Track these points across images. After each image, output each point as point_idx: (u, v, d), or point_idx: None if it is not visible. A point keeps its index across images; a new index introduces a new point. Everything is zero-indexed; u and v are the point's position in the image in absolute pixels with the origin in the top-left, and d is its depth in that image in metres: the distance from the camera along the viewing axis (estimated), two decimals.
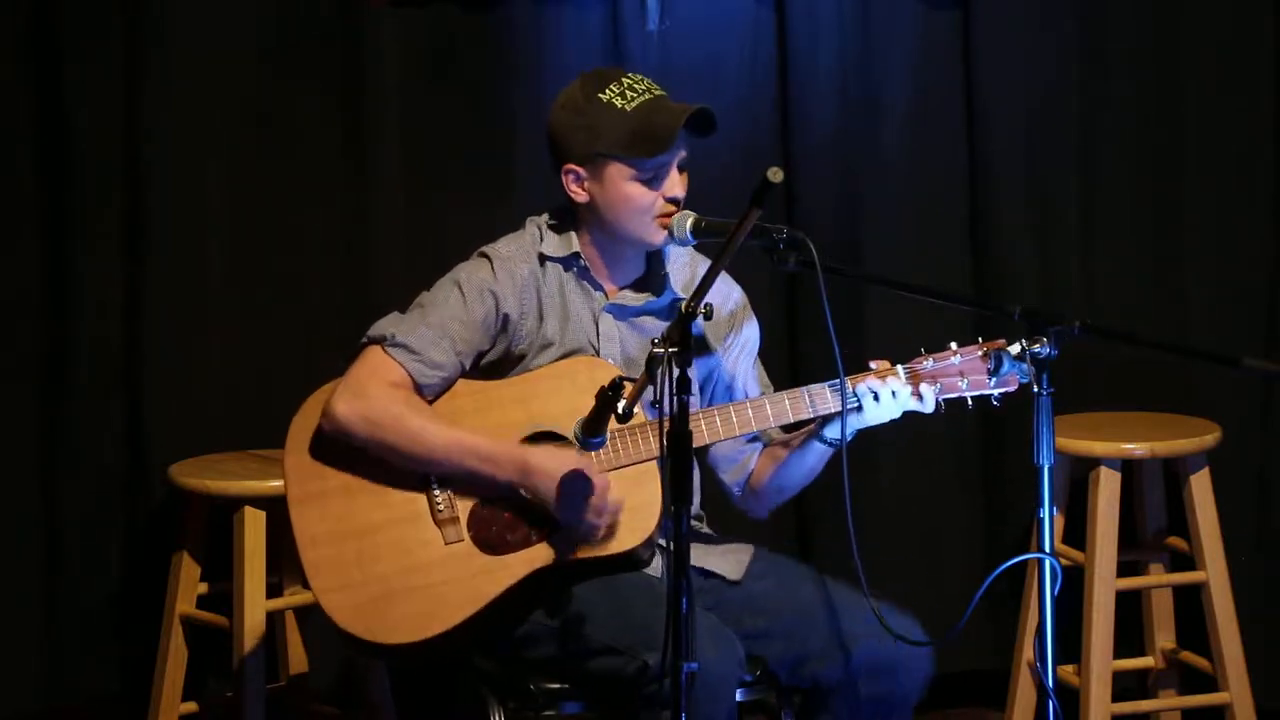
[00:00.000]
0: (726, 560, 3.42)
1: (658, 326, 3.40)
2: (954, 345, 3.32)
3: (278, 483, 3.82)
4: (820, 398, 3.30)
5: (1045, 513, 2.98)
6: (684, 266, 3.44)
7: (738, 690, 3.25)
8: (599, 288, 3.39)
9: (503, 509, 3.28)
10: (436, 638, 3.22)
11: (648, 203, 3.31)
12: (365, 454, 3.27)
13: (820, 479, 3.43)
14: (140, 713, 4.16)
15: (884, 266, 4.38)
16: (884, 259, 4.41)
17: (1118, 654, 4.14)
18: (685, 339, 2.87)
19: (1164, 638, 4.37)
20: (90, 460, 4.25)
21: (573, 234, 3.38)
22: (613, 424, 3.06)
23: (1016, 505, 4.49)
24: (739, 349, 3.48)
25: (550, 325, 3.36)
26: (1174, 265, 4.53)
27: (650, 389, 2.89)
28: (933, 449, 4.44)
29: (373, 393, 3.25)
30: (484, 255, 3.38)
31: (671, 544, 2.86)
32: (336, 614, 3.23)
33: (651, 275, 3.42)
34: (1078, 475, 4.16)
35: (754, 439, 3.46)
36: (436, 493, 3.27)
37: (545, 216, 3.42)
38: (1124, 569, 4.17)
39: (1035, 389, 3.00)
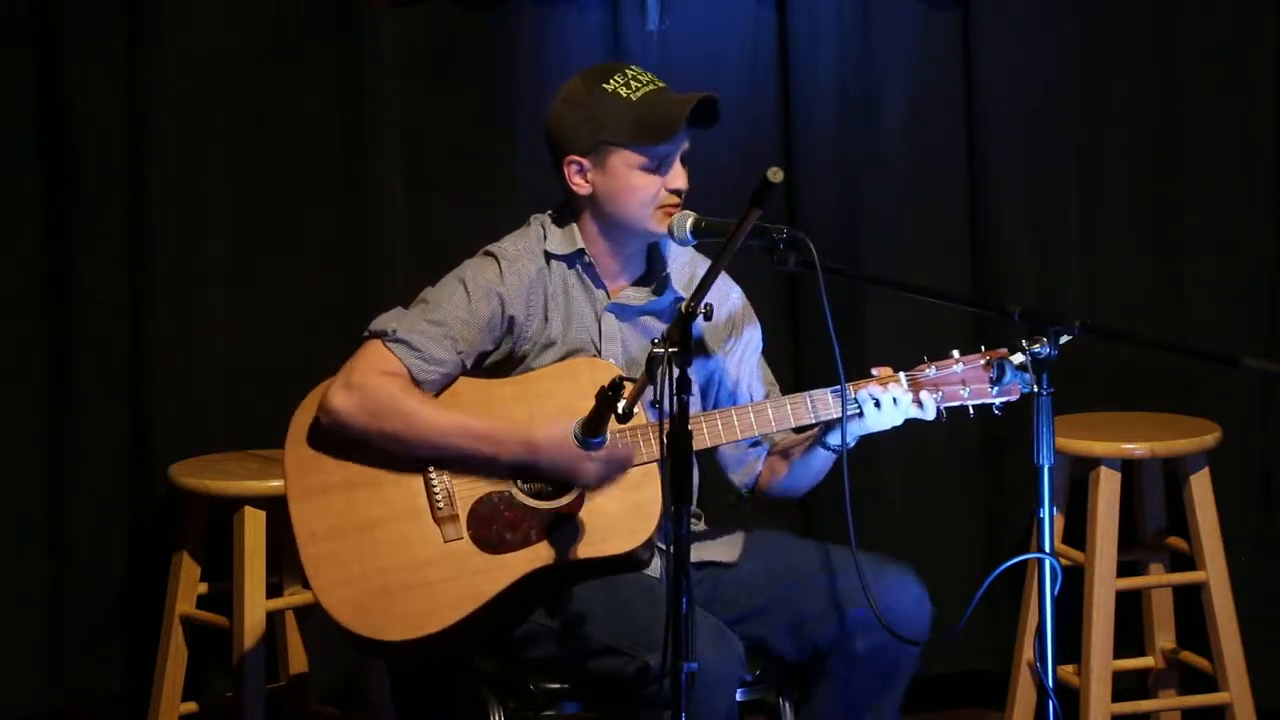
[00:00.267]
0: (720, 546, 3.43)
1: (659, 327, 3.40)
2: (956, 353, 3.32)
3: (278, 483, 3.83)
4: (821, 402, 3.30)
5: (1045, 513, 2.98)
6: (684, 266, 3.45)
7: (738, 690, 3.25)
8: (601, 286, 3.39)
9: (503, 508, 3.28)
10: (435, 635, 3.22)
11: (652, 192, 3.31)
12: (365, 449, 3.27)
13: (824, 479, 3.44)
14: (140, 713, 4.16)
15: (884, 266, 4.38)
16: (884, 259, 4.41)
17: (1118, 654, 4.14)
18: (685, 339, 2.87)
19: (1164, 638, 4.37)
20: (92, 460, 4.25)
21: (574, 227, 3.38)
22: (613, 425, 3.06)
23: (1016, 505, 4.49)
24: (740, 352, 3.49)
25: (554, 325, 3.36)
26: (1174, 265, 4.53)
27: (650, 389, 2.89)
28: (933, 450, 4.44)
29: (369, 383, 3.25)
30: (490, 254, 3.38)
31: (671, 545, 2.86)
32: (335, 610, 3.23)
33: (653, 274, 3.43)
34: (1078, 475, 4.16)
35: (757, 442, 3.46)
36: (436, 490, 3.27)
37: (548, 213, 3.42)
38: (1124, 569, 4.17)
39: (1035, 389, 3.01)
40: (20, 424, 4.22)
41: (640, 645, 3.11)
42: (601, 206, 3.35)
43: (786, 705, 3.43)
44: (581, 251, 3.37)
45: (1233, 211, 4.51)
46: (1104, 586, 4.08)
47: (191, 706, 4.17)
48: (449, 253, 3.49)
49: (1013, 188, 4.50)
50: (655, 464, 3.26)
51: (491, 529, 3.27)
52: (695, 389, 3.38)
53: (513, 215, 3.53)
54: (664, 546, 3.33)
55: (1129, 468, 4.16)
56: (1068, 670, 4.13)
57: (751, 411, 3.31)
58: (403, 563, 3.24)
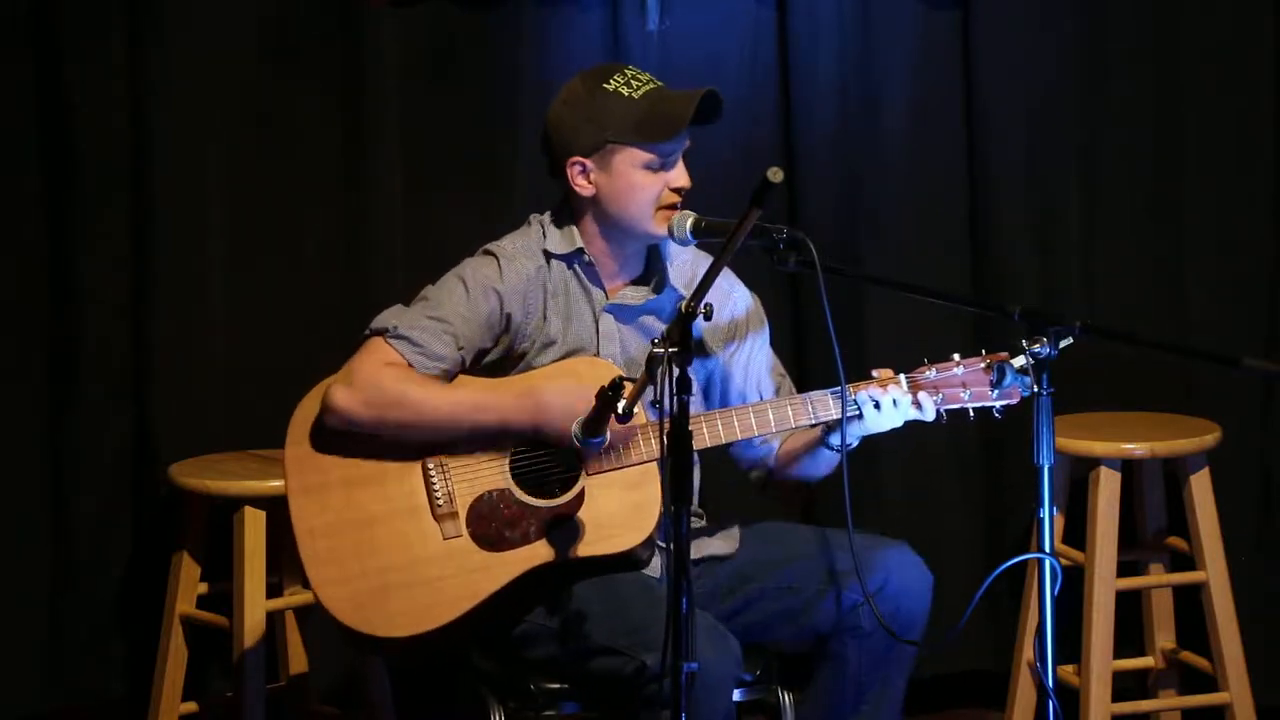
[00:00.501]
0: (719, 540, 3.44)
1: (658, 327, 3.40)
2: (957, 356, 3.32)
3: (278, 483, 3.83)
4: (822, 404, 3.30)
5: (1045, 513, 2.98)
6: (685, 265, 3.45)
7: (736, 690, 3.25)
8: (600, 285, 3.39)
9: (502, 506, 3.28)
10: (433, 632, 3.23)
11: (655, 191, 3.31)
12: (366, 446, 3.26)
13: (830, 473, 3.45)
14: (140, 713, 4.16)
15: (884, 266, 4.38)
16: (884, 259, 4.41)
17: (1118, 654, 4.14)
18: (685, 339, 2.87)
19: (1164, 638, 4.37)
20: (93, 460, 4.24)
21: (574, 228, 3.38)
22: (613, 424, 3.06)
23: (1016, 506, 4.49)
24: (747, 353, 3.48)
25: (553, 324, 3.37)
26: (1174, 265, 4.53)
27: (650, 389, 2.89)
28: (934, 450, 4.44)
29: (371, 377, 3.25)
30: (490, 253, 3.38)
31: (671, 545, 2.86)
32: (333, 606, 3.24)
33: (652, 273, 3.43)
34: (1078, 475, 4.16)
35: (764, 441, 3.47)
36: (435, 487, 3.27)
37: (547, 214, 3.42)
38: (1124, 569, 4.17)
39: (1035, 389, 3.01)
40: (21, 424, 4.22)
41: (639, 645, 3.11)
42: (604, 207, 3.35)
43: (787, 698, 3.43)
44: (581, 251, 3.38)
45: (1233, 211, 4.51)
46: (1104, 586, 4.08)
47: (191, 706, 4.17)
48: (449, 252, 3.49)
49: (1013, 188, 4.50)
50: (656, 464, 3.26)
51: (491, 527, 3.27)
52: (696, 388, 3.38)
53: (513, 215, 3.53)
54: (664, 544, 3.33)
55: (1129, 468, 4.16)
56: (1068, 670, 4.13)
57: (752, 412, 3.32)
58: (402, 560, 3.24)
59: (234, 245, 4.28)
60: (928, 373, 3.32)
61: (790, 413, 3.31)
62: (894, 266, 4.39)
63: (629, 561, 3.30)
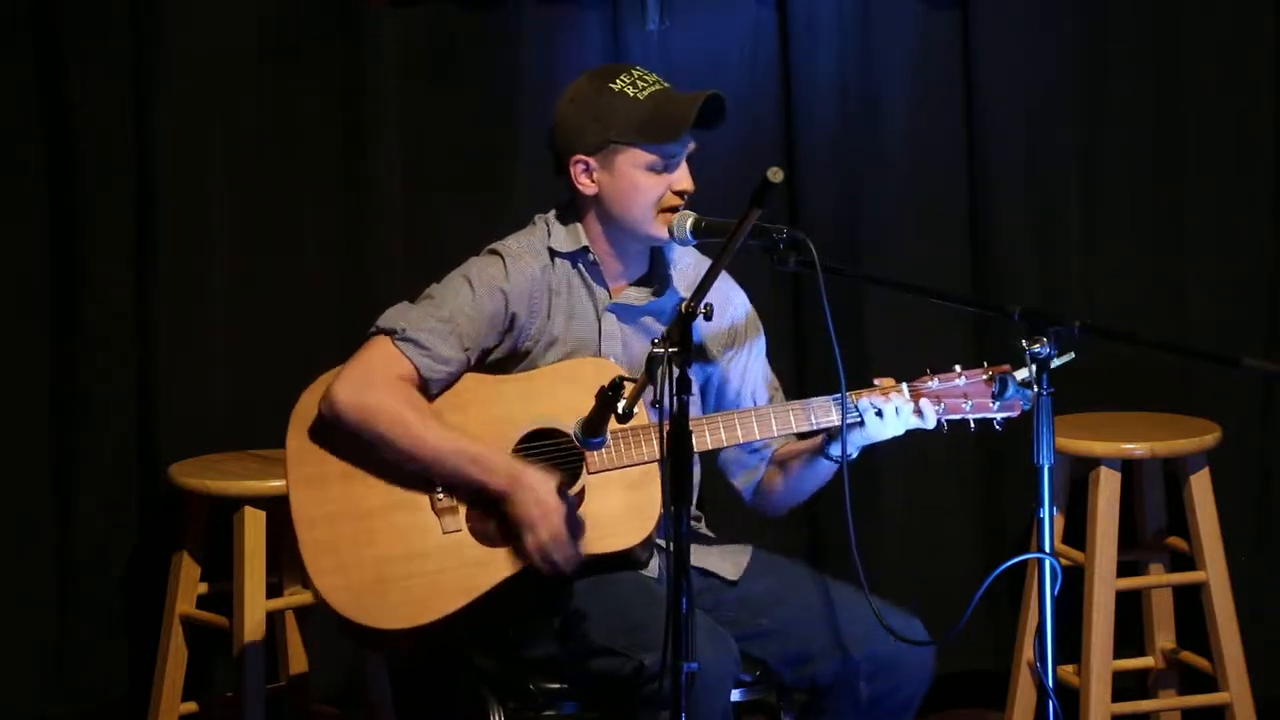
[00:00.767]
0: (724, 560, 3.42)
1: (661, 328, 3.40)
2: (959, 367, 3.32)
3: (278, 482, 3.84)
4: (822, 410, 3.30)
5: (1045, 513, 2.98)
6: (689, 269, 3.44)
7: (735, 690, 3.25)
8: (603, 285, 3.40)
9: (502, 502, 3.28)
10: (430, 625, 3.23)
11: (657, 193, 3.31)
12: (363, 441, 3.27)
13: (823, 487, 3.44)
14: (141, 713, 4.16)
15: (884, 267, 4.38)
16: (884, 259, 4.41)
17: (1118, 654, 4.15)
18: (685, 339, 2.87)
19: (1164, 638, 4.37)
20: (95, 461, 4.24)
21: (579, 226, 3.38)
22: (613, 424, 3.06)
23: (1016, 506, 4.49)
24: (744, 358, 3.48)
25: (557, 322, 3.37)
26: (1174, 265, 4.53)
27: (650, 389, 2.89)
28: (934, 451, 4.43)
29: (377, 385, 3.25)
30: (495, 252, 3.38)
31: (671, 544, 2.86)
32: (331, 596, 3.24)
33: (655, 274, 3.43)
34: (1078, 475, 4.16)
35: (760, 447, 3.46)
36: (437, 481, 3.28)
37: (552, 212, 3.42)
38: (1124, 569, 4.17)
39: (1035, 389, 3.00)
40: (22, 424, 4.22)
41: (637, 645, 3.11)
42: (606, 207, 3.35)
43: (788, 717, 3.43)
44: (585, 249, 3.38)
45: (1233, 211, 4.51)
46: (1104, 586, 4.08)
47: (191, 706, 4.17)
48: (449, 252, 3.49)
49: (1013, 188, 4.50)
50: (656, 464, 3.26)
51: (490, 522, 3.27)
52: (695, 389, 3.38)
53: (512, 215, 3.53)
54: (664, 544, 3.33)
55: (1129, 468, 4.16)
56: (1068, 670, 4.13)
57: (754, 416, 3.31)
58: (400, 553, 3.24)
59: (235, 245, 4.28)
60: (930, 382, 3.31)
61: (791, 418, 3.30)
62: (894, 266, 4.39)
63: (628, 561, 3.30)
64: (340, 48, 4.29)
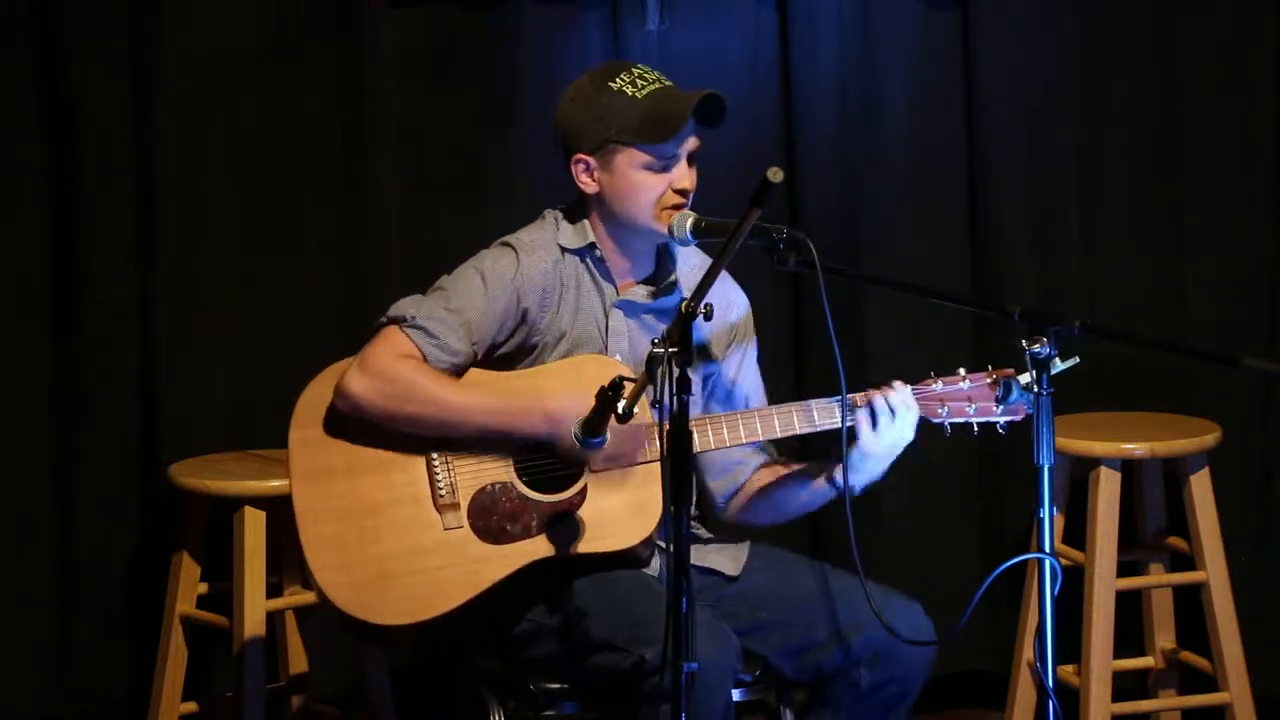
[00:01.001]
0: (724, 557, 3.43)
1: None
2: (963, 370, 3.31)
3: (278, 482, 3.84)
4: (824, 412, 3.28)
5: (1045, 513, 2.98)
6: (695, 270, 3.44)
7: (735, 690, 3.25)
8: (611, 281, 3.40)
9: (504, 499, 3.28)
10: (429, 622, 3.23)
11: (657, 192, 3.31)
12: (371, 433, 3.26)
13: (805, 514, 3.45)
14: (141, 713, 4.16)
15: (884, 267, 4.38)
16: (884, 259, 4.41)
17: (1118, 654, 4.15)
18: (685, 339, 2.87)
19: (1164, 638, 4.37)
20: (97, 461, 4.24)
21: (586, 223, 3.38)
22: (614, 424, 3.06)
23: (1016, 505, 4.49)
24: (739, 361, 3.48)
25: (564, 316, 3.37)
26: (1174, 265, 4.53)
27: (650, 389, 2.89)
28: (934, 450, 4.41)
29: (387, 367, 3.25)
30: (508, 245, 3.38)
31: (671, 545, 2.86)
32: (331, 592, 3.24)
33: (662, 275, 3.42)
34: (1078, 475, 4.16)
35: (741, 456, 3.45)
36: (439, 477, 3.27)
37: (560, 209, 3.42)
38: (1124, 569, 4.17)
39: (1035, 389, 3.00)
40: (24, 425, 4.22)
41: (637, 640, 3.11)
42: (608, 206, 3.35)
43: (788, 713, 3.43)
44: (593, 245, 3.38)
45: (1233, 211, 4.51)
46: (1104, 586, 4.09)
47: (191, 706, 4.17)
48: (448, 252, 3.48)
49: (1013, 188, 4.50)
50: (656, 463, 3.26)
51: (492, 519, 3.27)
52: (696, 388, 3.38)
53: (512, 215, 3.53)
54: (664, 545, 3.33)
55: (1129, 468, 4.16)
56: (1068, 670, 4.13)
57: (757, 417, 3.31)
58: (402, 548, 3.24)
59: (235, 245, 4.29)
60: (934, 385, 3.31)
61: (795, 418, 3.30)
62: (894, 266, 4.39)
63: (629, 560, 3.30)
64: (340, 48, 4.30)
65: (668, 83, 3.34)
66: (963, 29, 4.45)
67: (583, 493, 3.28)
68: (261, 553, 3.97)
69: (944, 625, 3.33)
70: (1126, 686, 4.35)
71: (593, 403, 3.08)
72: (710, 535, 3.49)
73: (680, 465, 2.87)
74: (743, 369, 3.48)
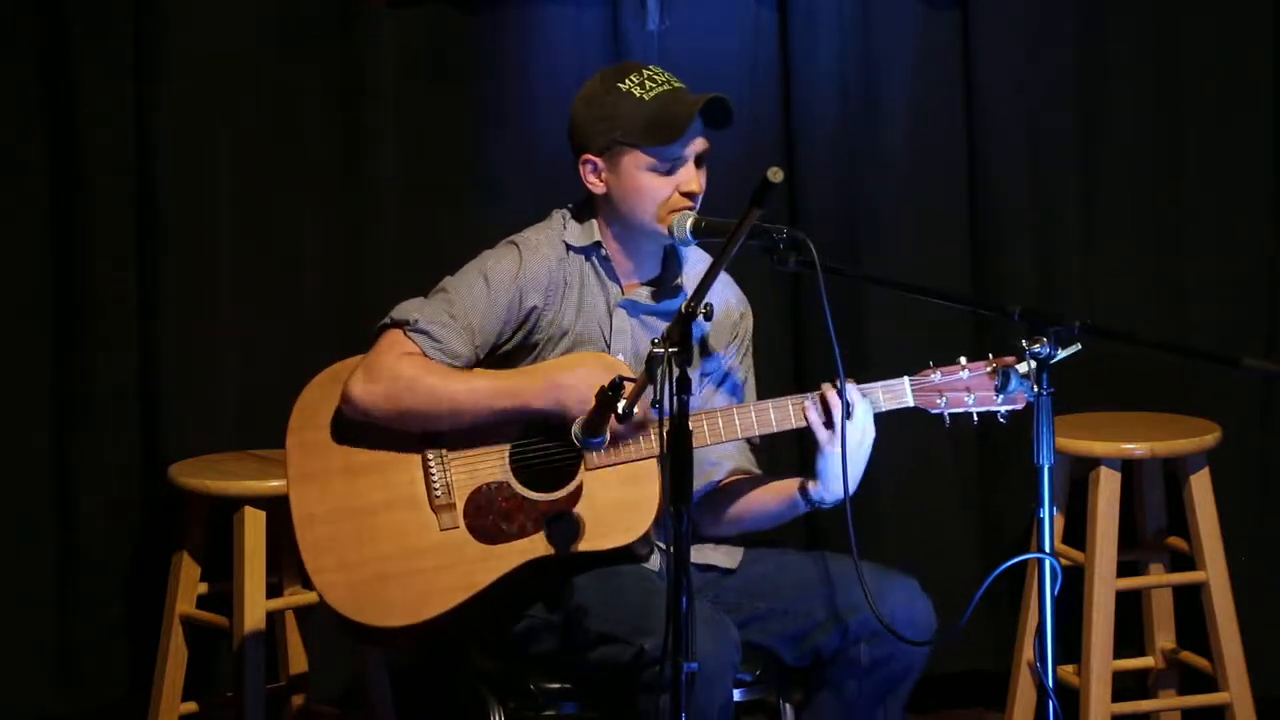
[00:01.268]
0: (720, 552, 3.44)
1: None
2: (963, 360, 3.31)
3: (278, 482, 3.84)
4: (781, 412, 3.28)
5: (1045, 513, 2.98)
6: (701, 273, 3.43)
7: (735, 690, 3.25)
8: (616, 281, 3.40)
9: (500, 498, 3.28)
10: (427, 623, 3.23)
11: (662, 194, 3.31)
12: (370, 434, 3.27)
13: (776, 525, 3.45)
14: (141, 713, 4.16)
15: (884, 266, 4.38)
16: (884, 259, 4.41)
17: (1118, 654, 4.14)
18: (685, 339, 2.88)
19: (1164, 638, 4.37)
20: (99, 462, 4.24)
21: (594, 222, 3.39)
22: (613, 425, 3.06)
23: (1016, 506, 4.49)
24: (738, 356, 3.48)
25: (567, 314, 3.37)
26: (1174, 265, 4.53)
27: (650, 389, 2.89)
28: (933, 450, 4.44)
29: (389, 369, 3.26)
30: (512, 243, 3.39)
31: (671, 545, 2.86)
32: (329, 594, 3.24)
33: (668, 277, 3.42)
34: (1078, 475, 4.16)
35: (717, 457, 3.44)
36: (434, 478, 3.28)
37: (568, 207, 3.42)
38: (1124, 569, 4.17)
39: (1035, 389, 3.00)
40: (24, 424, 4.22)
41: (637, 631, 3.11)
42: (615, 206, 3.35)
43: (787, 707, 3.43)
44: (598, 244, 3.38)
45: (1233, 211, 4.51)
46: (1104, 586, 4.08)
47: (192, 706, 4.17)
48: (448, 252, 3.49)
49: (1013, 187, 4.50)
50: (653, 460, 3.26)
51: (488, 519, 3.27)
52: (695, 388, 3.38)
53: (512, 216, 3.53)
54: (664, 545, 3.33)
55: (1129, 468, 4.16)
56: (1068, 670, 4.13)
57: (753, 410, 3.31)
58: (398, 550, 3.25)
59: (235, 245, 4.29)
60: (932, 376, 3.31)
61: (791, 412, 3.30)
62: (894, 266, 4.39)
63: (627, 556, 3.31)
64: (340, 48, 4.30)
65: (678, 85, 3.34)
66: (963, 29, 4.45)
67: (578, 490, 3.28)
68: (261, 553, 3.97)
69: (944, 625, 3.33)
70: (1126, 686, 4.35)
71: (600, 382, 3.08)
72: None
73: (680, 464, 2.87)
74: (734, 370, 3.48)
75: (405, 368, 3.25)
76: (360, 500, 3.27)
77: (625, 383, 3.00)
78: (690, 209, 3.32)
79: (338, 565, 3.24)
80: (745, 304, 3.52)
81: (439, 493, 3.28)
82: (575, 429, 3.15)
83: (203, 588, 4.11)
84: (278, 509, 3.89)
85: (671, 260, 3.44)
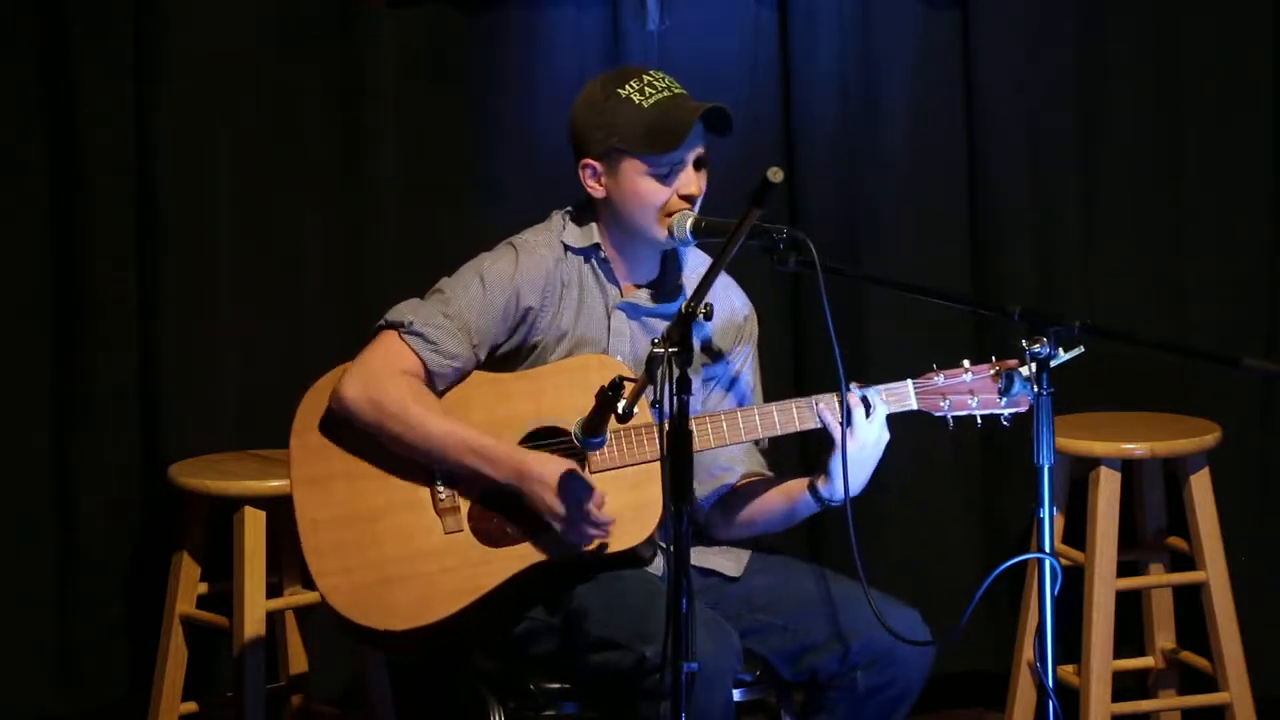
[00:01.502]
0: (725, 558, 3.43)
1: None
2: (967, 363, 3.31)
3: (278, 482, 3.84)
4: (827, 406, 3.28)
5: (1045, 513, 2.98)
6: (701, 275, 3.43)
7: (735, 690, 3.25)
8: (615, 283, 3.40)
9: (504, 502, 3.28)
10: (431, 626, 3.23)
11: (661, 200, 3.31)
12: (371, 439, 3.27)
13: (788, 526, 3.44)
14: (141, 713, 4.16)
15: (884, 267, 4.38)
16: (884, 259, 4.41)
17: (1118, 654, 4.14)
18: (685, 339, 2.87)
19: (1164, 638, 4.37)
20: (100, 462, 4.24)
21: (593, 225, 3.38)
22: (615, 424, 3.06)
23: (1016, 505, 4.49)
24: (740, 363, 3.48)
25: (566, 315, 3.37)
26: (1174, 265, 4.53)
27: (650, 389, 2.89)
28: (934, 450, 4.44)
29: (383, 379, 3.25)
30: (509, 244, 3.39)
31: (672, 546, 2.86)
32: (333, 597, 3.24)
33: (668, 279, 3.42)
34: (1078, 475, 4.16)
35: (728, 461, 3.44)
36: (439, 480, 3.27)
37: (568, 209, 3.42)
38: (1124, 569, 4.17)
39: (1035, 389, 3.00)
40: (24, 424, 4.22)
41: (638, 638, 3.11)
42: (614, 210, 3.35)
43: (787, 716, 3.43)
44: (597, 246, 3.38)
45: (1233, 211, 4.51)
46: (1104, 586, 4.09)
47: (192, 706, 4.17)
48: (448, 253, 3.49)
49: (1013, 188, 4.50)
50: (656, 463, 3.26)
51: (492, 522, 3.27)
52: (696, 388, 3.38)
53: (512, 216, 3.53)
54: (665, 545, 3.33)
55: (1129, 468, 4.16)
56: (1068, 670, 4.13)
57: (757, 414, 3.31)
58: (402, 553, 3.25)
59: (235, 245, 4.29)
60: (935, 379, 3.30)
61: (795, 415, 3.30)
62: (894, 266, 4.39)
63: (631, 560, 3.30)
64: (340, 48, 4.30)
65: (678, 90, 3.34)
66: (963, 29, 4.45)
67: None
68: (261, 553, 3.97)
69: (944, 625, 3.33)
70: (1126, 686, 4.35)
71: (567, 470, 3.12)
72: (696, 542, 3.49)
73: (680, 465, 2.87)
74: (742, 373, 3.48)
75: (397, 389, 3.24)
76: (364, 504, 3.27)
77: (625, 383, 3.00)
78: (689, 211, 3.32)
79: (341, 569, 3.24)
80: (750, 306, 3.52)
81: (443, 496, 3.28)
82: (575, 429, 3.15)
83: (203, 588, 4.11)
84: (278, 509, 3.89)
85: (671, 262, 3.43)
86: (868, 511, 4.19)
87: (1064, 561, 3.55)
